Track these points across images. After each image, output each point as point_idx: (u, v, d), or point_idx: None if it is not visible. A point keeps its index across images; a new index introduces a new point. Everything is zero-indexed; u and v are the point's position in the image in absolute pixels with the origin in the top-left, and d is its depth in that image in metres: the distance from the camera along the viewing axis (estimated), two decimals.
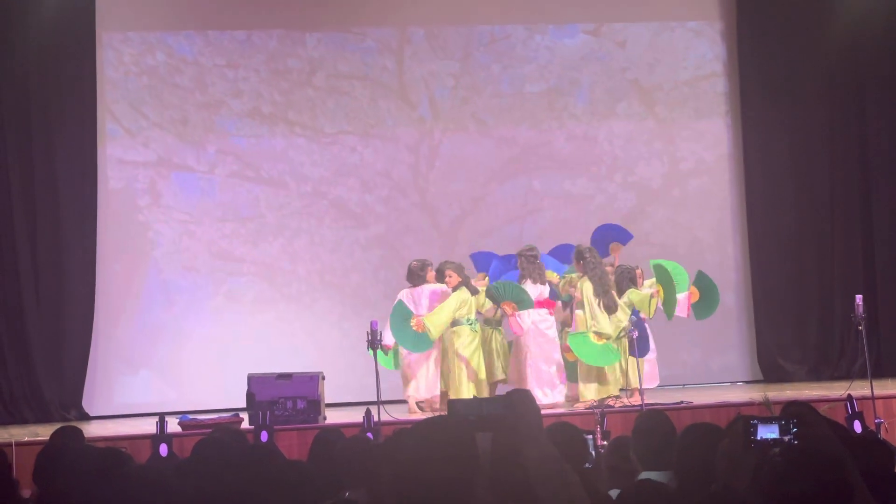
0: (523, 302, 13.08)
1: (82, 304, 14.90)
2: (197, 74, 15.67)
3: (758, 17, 16.36)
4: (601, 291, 13.05)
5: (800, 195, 16.31)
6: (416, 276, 13.58)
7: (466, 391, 13.05)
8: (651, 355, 13.59)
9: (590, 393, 13.13)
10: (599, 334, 13.01)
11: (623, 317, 13.10)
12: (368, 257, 15.90)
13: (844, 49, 16.15)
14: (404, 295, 13.47)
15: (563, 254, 14.04)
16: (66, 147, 14.90)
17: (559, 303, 13.77)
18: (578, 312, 13.24)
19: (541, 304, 13.35)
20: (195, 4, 15.54)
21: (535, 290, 13.30)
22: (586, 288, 13.09)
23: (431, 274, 13.49)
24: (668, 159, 16.52)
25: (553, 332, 13.39)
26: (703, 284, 13.76)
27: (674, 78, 16.58)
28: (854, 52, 16.20)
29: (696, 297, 13.64)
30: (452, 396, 12.89)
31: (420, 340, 13.08)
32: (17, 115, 14.81)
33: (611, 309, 13.05)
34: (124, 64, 15.52)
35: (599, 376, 13.17)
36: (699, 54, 16.66)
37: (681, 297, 13.58)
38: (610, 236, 14.19)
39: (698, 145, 16.59)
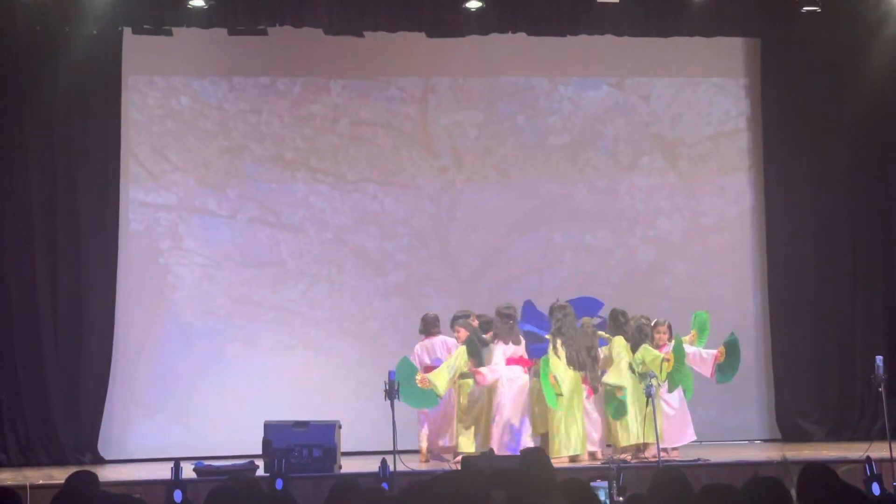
0: (477, 360, 13.37)
1: (101, 346, 14.86)
2: (220, 119, 15.72)
3: (782, 74, 16.33)
4: (565, 345, 13.32)
5: (821, 253, 16.21)
6: (430, 327, 13.78)
7: (464, 448, 13.25)
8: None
9: (564, 449, 13.08)
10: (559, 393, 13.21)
11: (614, 378, 13.33)
12: (388, 305, 15.87)
13: (869, 106, 16.06)
14: (418, 348, 13.72)
15: (584, 306, 14.07)
16: (89, 188, 14.92)
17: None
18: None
19: (514, 361, 13.55)
20: (220, 50, 15.56)
21: (507, 350, 13.52)
22: (550, 342, 13.45)
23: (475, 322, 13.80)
24: (690, 214, 16.49)
25: (527, 389, 13.50)
26: (731, 348, 13.74)
27: (697, 133, 16.57)
28: (879, 109, 16.10)
29: (721, 357, 13.63)
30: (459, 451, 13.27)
31: (426, 397, 13.12)
32: (42, 155, 14.82)
33: (572, 361, 13.26)
34: (149, 107, 15.58)
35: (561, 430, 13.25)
36: (723, 110, 16.65)
37: (707, 355, 13.60)
38: (579, 311, 14.03)
39: (720, 201, 16.56)
